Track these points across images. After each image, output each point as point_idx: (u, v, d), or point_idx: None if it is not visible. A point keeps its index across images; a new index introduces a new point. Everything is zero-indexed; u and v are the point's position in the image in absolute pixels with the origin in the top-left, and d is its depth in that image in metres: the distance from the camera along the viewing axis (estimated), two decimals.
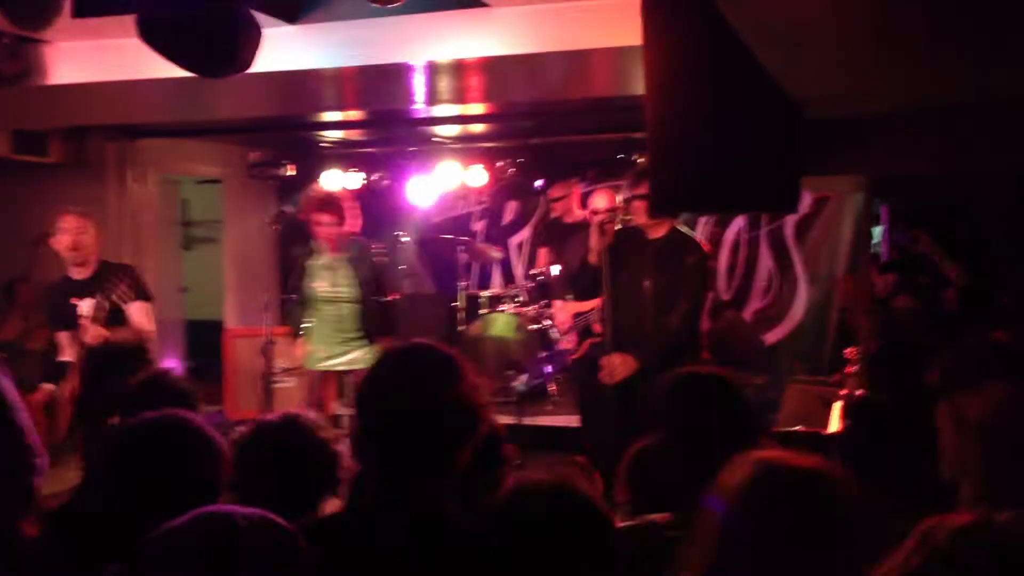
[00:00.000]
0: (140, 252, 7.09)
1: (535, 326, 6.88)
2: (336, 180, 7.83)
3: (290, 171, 7.62)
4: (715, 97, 2.58)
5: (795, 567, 1.35)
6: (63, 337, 4.66)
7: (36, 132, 6.49)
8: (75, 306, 4.57)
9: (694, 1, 2.41)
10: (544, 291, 6.86)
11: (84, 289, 4.62)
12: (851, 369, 3.99)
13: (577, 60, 4.20)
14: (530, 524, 1.60)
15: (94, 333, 4.45)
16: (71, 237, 4.67)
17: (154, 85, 4.34)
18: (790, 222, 7.43)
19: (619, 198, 5.25)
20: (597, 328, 5.38)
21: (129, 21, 2.68)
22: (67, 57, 4.25)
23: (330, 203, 5.42)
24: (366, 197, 7.88)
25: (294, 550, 1.48)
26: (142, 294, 4.68)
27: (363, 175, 7.84)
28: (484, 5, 3.75)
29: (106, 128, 6.76)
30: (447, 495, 1.75)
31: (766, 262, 7.56)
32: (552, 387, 6.87)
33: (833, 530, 1.37)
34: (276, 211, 7.24)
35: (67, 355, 4.63)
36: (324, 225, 5.32)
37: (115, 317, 4.53)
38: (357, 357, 5.38)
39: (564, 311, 5.99)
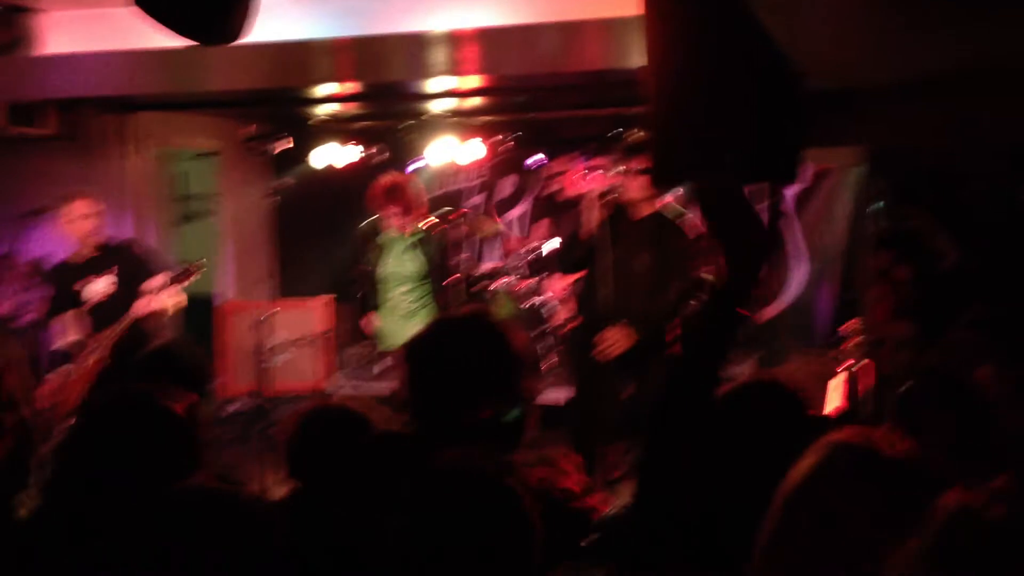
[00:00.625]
0: (138, 226, 7.06)
1: (535, 299, 6.87)
2: (332, 155, 7.80)
3: (286, 144, 7.57)
4: (716, 66, 2.55)
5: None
6: (68, 319, 4.69)
7: (30, 105, 6.43)
8: (78, 291, 4.65)
9: None
10: (541, 265, 6.85)
11: (88, 270, 4.69)
12: (849, 344, 3.99)
13: (574, 31, 4.17)
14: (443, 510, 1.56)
15: (164, 302, 4.52)
16: (92, 222, 4.71)
17: (149, 55, 4.31)
18: (790, 196, 7.41)
19: (609, 173, 5.25)
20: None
21: None
22: (60, 26, 4.21)
23: (395, 191, 5.49)
24: (363, 171, 7.89)
25: (269, 524, 1.48)
26: (149, 270, 4.71)
27: (360, 149, 7.80)
28: None
29: (101, 100, 6.71)
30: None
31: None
32: (554, 358, 6.87)
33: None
34: (273, 184, 7.21)
35: (72, 335, 4.67)
36: (392, 215, 5.46)
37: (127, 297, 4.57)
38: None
39: (561, 282, 5.99)
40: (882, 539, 1.22)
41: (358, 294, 5.84)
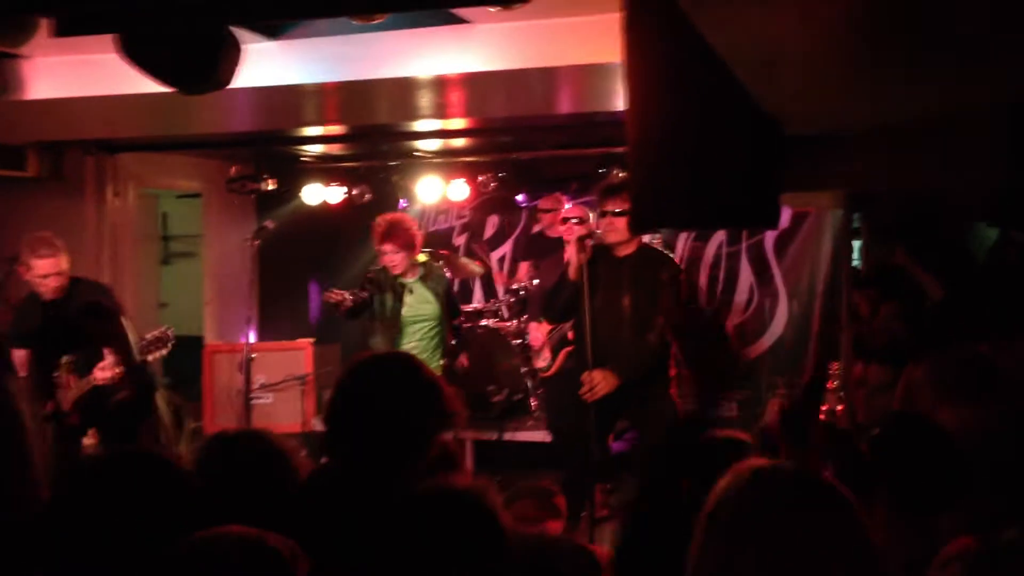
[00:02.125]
0: (118, 267, 7.04)
1: (516, 341, 6.87)
2: (317, 195, 7.82)
3: (270, 185, 7.59)
4: (695, 114, 2.59)
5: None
6: (19, 355, 4.60)
7: (14, 146, 6.44)
8: (43, 327, 4.57)
9: (674, 19, 2.42)
10: (524, 306, 6.86)
11: (58, 310, 4.61)
12: (832, 384, 4.01)
13: (558, 76, 4.23)
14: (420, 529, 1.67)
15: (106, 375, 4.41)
16: (54, 282, 4.60)
17: (133, 100, 4.33)
18: (770, 237, 7.47)
19: (589, 214, 5.28)
20: (572, 336, 5.39)
21: (108, 37, 2.67)
22: (45, 72, 4.23)
23: (393, 229, 5.48)
24: (347, 212, 7.92)
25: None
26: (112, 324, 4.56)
27: (344, 190, 7.82)
28: (465, 22, 3.77)
29: (85, 142, 6.72)
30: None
31: (746, 277, 7.59)
32: (534, 402, 6.86)
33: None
34: (256, 226, 7.21)
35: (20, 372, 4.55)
36: (388, 254, 5.45)
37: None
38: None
39: (539, 330, 5.99)
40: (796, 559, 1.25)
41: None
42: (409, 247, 5.51)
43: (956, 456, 1.95)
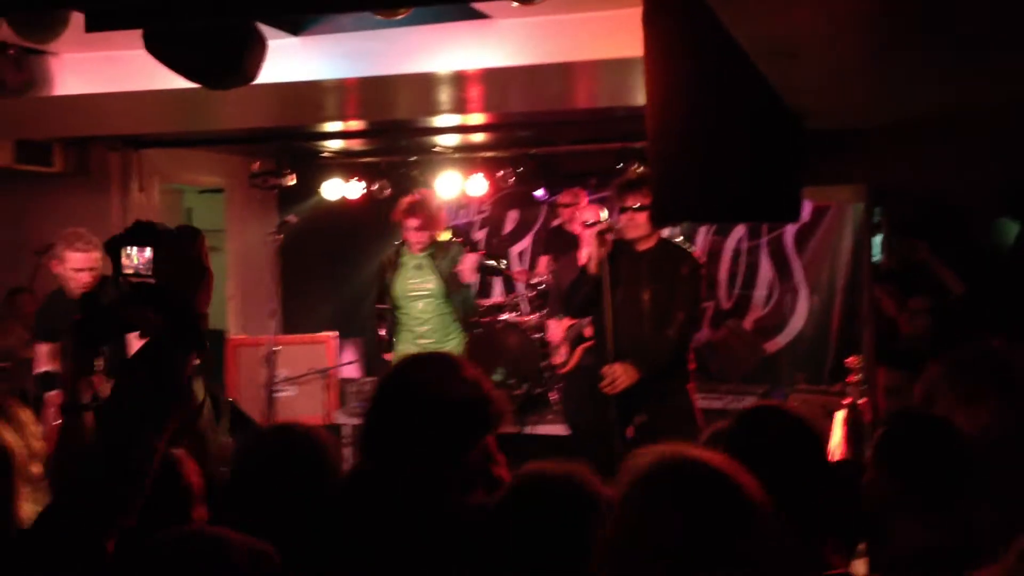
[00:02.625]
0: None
1: (535, 335, 6.90)
2: (337, 190, 7.87)
3: (292, 181, 7.65)
4: (716, 107, 2.60)
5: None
6: (44, 349, 4.69)
7: (40, 142, 6.52)
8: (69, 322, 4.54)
9: (694, 13, 2.43)
10: (544, 300, 6.87)
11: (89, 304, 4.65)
12: (853, 378, 4.00)
13: (576, 71, 4.24)
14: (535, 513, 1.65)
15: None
16: (89, 276, 4.59)
17: (158, 96, 4.37)
18: (790, 232, 7.46)
19: (604, 213, 5.29)
20: (588, 332, 5.39)
21: (135, 33, 2.71)
22: (72, 68, 4.28)
23: (416, 206, 5.58)
24: (367, 207, 7.97)
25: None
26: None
27: (363, 185, 7.87)
28: (486, 17, 3.78)
29: (109, 138, 6.80)
30: (449, 489, 1.79)
31: (766, 272, 7.58)
32: (553, 396, 6.88)
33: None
34: (279, 221, 7.27)
35: (44, 366, 4.66)
36: (410, 229, 5.52)
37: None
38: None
39: (558, 327, 6.00)
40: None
41: (379, 330, 5.85)
42: (433, 225, 5.58)
43: (959, 449, 1.96)
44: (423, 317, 5.58)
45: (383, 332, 5.84)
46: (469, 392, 1.95)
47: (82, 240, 4.70)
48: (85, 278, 4.65)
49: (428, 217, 5.57)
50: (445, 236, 5.77)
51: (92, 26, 2.24)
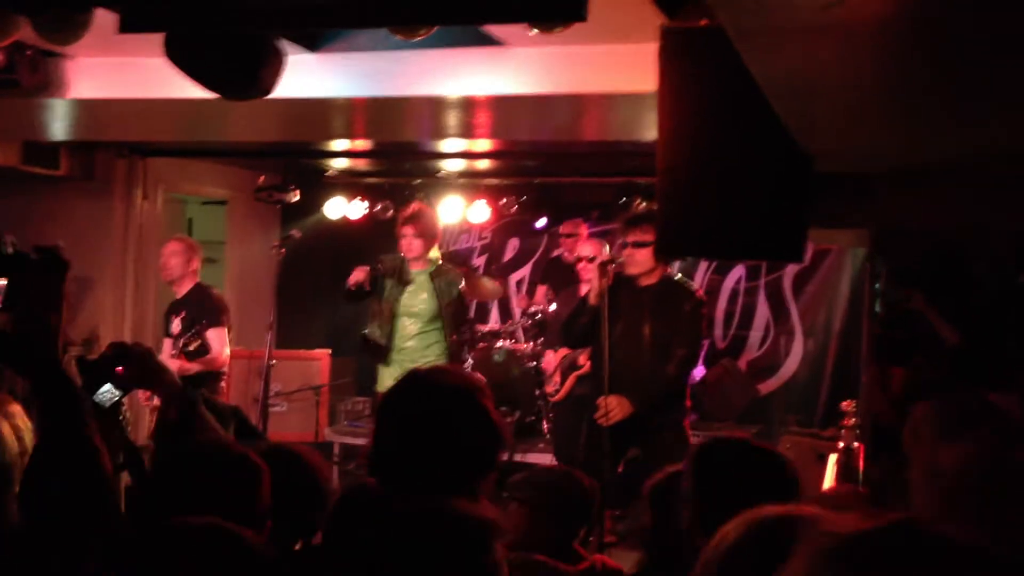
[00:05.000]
0: (143, 269, 7.11)
1: (530, 364, 6.89)
2: (340, 208, 7.89)
3: (295, 196, 7.67)
4: (727, 144, 2.62)
5: None
6: (165, 344, 5.59)
7: (47, 144, 6.53)
8: (171, 320, 5.55)
9: (711, 50, 2.46)
10: (541, 329, 6.88)
11: (178, 307, 5.57)
12: (848, 422, 4.00)
13: (588, 103, 4.27)
14: None
15: (175, 364, 5.18)
16: (169, 260, 5.55)
17: (170, 104, 4.40)
18: (788, 275, 7.49)
19: (605, 248, 5.31)
20: (583, 360, 5.38)
21: (151, 39, 2.73)
22: (86, 72, 4.30)
23: (415, 216, 5.61)
24: (368, 227, 7.98)
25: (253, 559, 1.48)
26: (217, 320, 5.48)
27: (366, 204, 7.89)
28: (500, 44, 3.82)
29: (116, 144, 6.82)
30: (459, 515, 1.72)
31: (763, 313, 7.60)
32: (545, 424, 6.87)
33: None
34: (280, 236, 7.28)
35: (162, 358, 5.25)
36: (407, 236, 5.53)
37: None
38: None
39: (555, 356, 6.00)
40: None
41: (367, 344, 5.71)
42: (429, 236, 5.57)
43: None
44: (408, 334, 5.53)
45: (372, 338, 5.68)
46: (488, 421, 1.87)
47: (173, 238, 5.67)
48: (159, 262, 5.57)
49: (426, 227, 5.58)
50: (435, 253, 5.74)
51: (125, 28, 2.26)
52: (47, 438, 1.68)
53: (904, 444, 2.47)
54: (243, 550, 1.46)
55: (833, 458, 4.03)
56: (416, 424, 1.84)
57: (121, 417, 2.12)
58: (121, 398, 2.07)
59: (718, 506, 1.60)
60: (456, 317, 5.70)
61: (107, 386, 2.03)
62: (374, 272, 5.54)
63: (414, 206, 5.76)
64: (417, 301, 5.55)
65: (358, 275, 5.49)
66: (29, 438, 2.22)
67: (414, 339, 5.53)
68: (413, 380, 1.97)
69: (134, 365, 2.11)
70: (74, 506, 1.63)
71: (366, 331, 5.63)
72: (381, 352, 5.55)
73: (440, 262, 5.71)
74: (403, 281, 5.55)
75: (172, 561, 1.43)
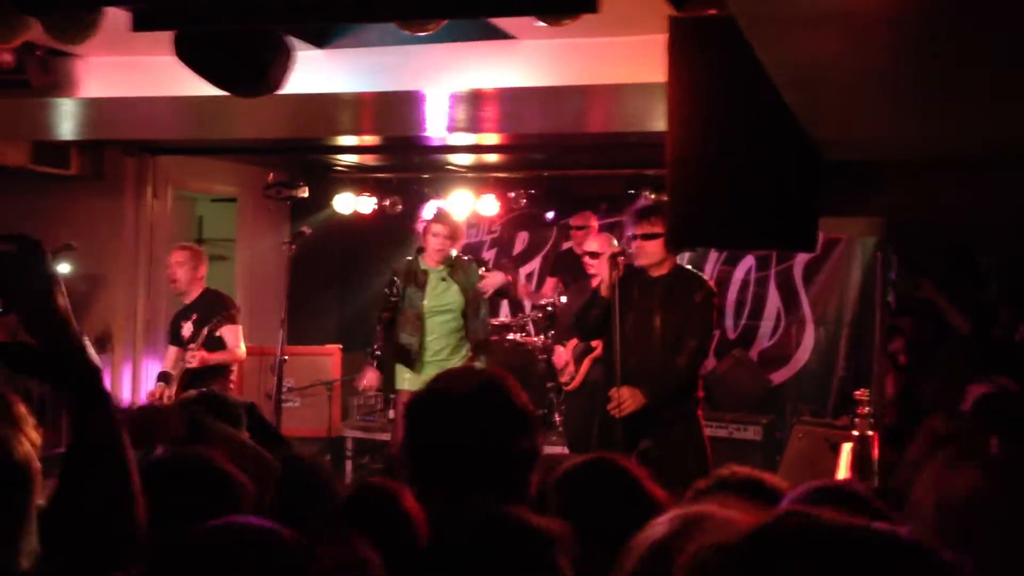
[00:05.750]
0: (154, 267, 7.13)
1: (541, 356, 6.90)
2: (349, 204, 7.90)
3: (304, 193, 7.69)
4: (737, 134, 2.62)
5: None
6: (171, 351, 5.69)
7: (56, 144, 6.56)
8: (181, 326, 5.61)
9: (721, 40, 2.46)
10: (551, 321, 6.88)
11: (188, 312, 5.61)
12: (862, 411, 4.00)
13: (597, 94, 4.26)
14: None
15: (198, 356, 5.35)
16: (168, 271, 5.65)
17: (179, 102, 4.41)
18: (799, 264, 7.47)
19: (613, 241, 5.31)
20: (595, 343, 5.38)
21: (160, 38, 2.73)
22: (96, 71, 4.31)
23: (444, 215, 5.70)
24: (377, 222, 8.00)
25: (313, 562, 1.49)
26: (231, 318, 5.58)
27: (375, 200, 7.90)
28: (510, 37, 3.81)
29: (126, 143, 6.84)
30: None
31: (774, 303, 7.58)
32: (557, 417, 6.88)
33: None
34: (292, 232, 7.30)
35: (166, 367, 5.65)
36: (437, 236, 5.52)
37: (213, 341, 5.48)
38: None
39: (565, 351, 5.99)
40: None
41: (375, 345, 5.75)
42: (455, 238, 5.59)
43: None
44: (441, 332, 5.58)
45: (377, 346, 5.75)
46: (526, 420, 1.86)
47: (177, 247, 5.72)
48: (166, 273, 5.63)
49: (456, 226, 5.61)
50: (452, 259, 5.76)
51: (138, 26, 2.26)
52: (81, 448, 1.58)
53: (913, 452, 2.45)
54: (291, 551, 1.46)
55: (847, 447, 4.03)
56: (452, 427, 1.82)
57: None
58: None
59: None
60: (479, 309, 5.72)
61: None
62: (392, 289, 5.59)
63: (438, 206, 5.88)
64: (442, 299, 5.58)
65: (370, 380, 5.66)
66: (36, 438, 2.22)
67: (443, 337, 5.57)
68: (444, 384, 1.94)
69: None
70: (107, 525, 1.55)
71: (401, 340, 5.60)
72: (412, 358, 5.57)
73: (455, 256, 5.71)
74: (419, 283, 5.56)
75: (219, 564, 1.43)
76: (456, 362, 5.54)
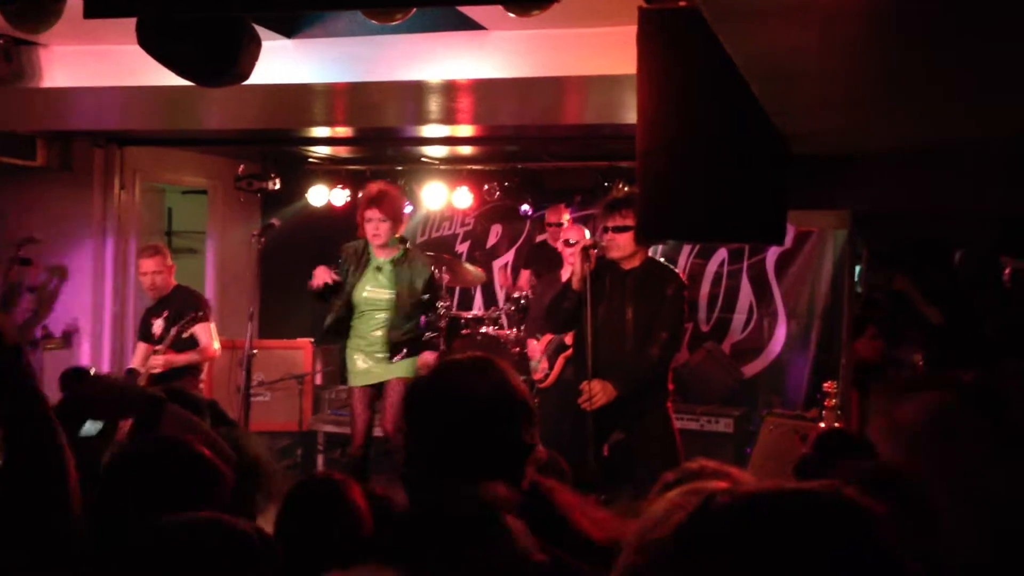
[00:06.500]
0: (122, 260, 7.05)
1: (515, 349, 6.89)
2: (322, 196, 7.85)
3: (276, 185, 7.63)
4: (706, 127, 2.62)
5: None
6: (140, 347, 5.73)
7: (23, 135, 6.47)
8: (151, 323, 5.63)
9: (689, 32, 2.45)
10: (525, 314, 6.87)
11: (159, 309, 5.65)
12: (829, 403, 4.02)
13: (569, 85, 4.25)
14: None
15: (162, 359, 5.41)
16: (149, 279, 5.66)
17: (146, 92, 4.35)
18: (771, 257, 7.51)
19: (586, 233, 5.30)
20: (569, 340, 5.37)
21: (126, 26, 2.69)
22: (61, 61, 4.25)
23: (382, 196, 5.16)
24: (351, 214, 7.94)
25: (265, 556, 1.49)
26: (205, 316, 5.61)
27: (348, 192, 7.85)
28: (481, 28, 3.79)
29: (94, 133, 6.75)
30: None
31: (746, 296, 7.62)
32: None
33: None
34: (262, 224, 7.24)
35: (135, 363, 5.67)
36: (373, 221, 5.10)
37: (182, 342, 5.51)
38: (396, 369, 5.16)
39: (539, 344, 5.99)
40: None
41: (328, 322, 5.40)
42: (396, 218, 5.16)
43: None
44: (374, 325, 5.20)
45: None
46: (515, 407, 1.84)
47: (147, 255, 5.72)
48: (146, 282, 5.70)
49: (393, 209, 5.15)
50: (395, 241, 5.27)
51: (90, 12, 2.22)
52: (16, 453, 1.58)
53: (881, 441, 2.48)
54: (246, 541, 1.47)
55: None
56: (456, 417, 1.80)
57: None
58: (106, 426, 2.05)
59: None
60: (423, 304, 5.30)
61: (87, 424, 2.02)
62: (337, 265, 5.26)
63: (377, 186, 5.32)
64: (378, 291, 5.20)
65: (321, 277, 5.16)
66: None
67: (380, 330, 5.19)
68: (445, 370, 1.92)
69: (96, 389, 2.10)
70: (43, 525, 1.56)
71: (326, 322, 5.33)
72: (340, 333, 5.26)
73: (408, 249, 5.35)
74: (360, 267, 5.20)
75: (174, 558, 1.42)
76: (399, 370, 5.16)
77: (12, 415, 1.56)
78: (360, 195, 6.93)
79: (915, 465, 1.71)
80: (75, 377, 2.15)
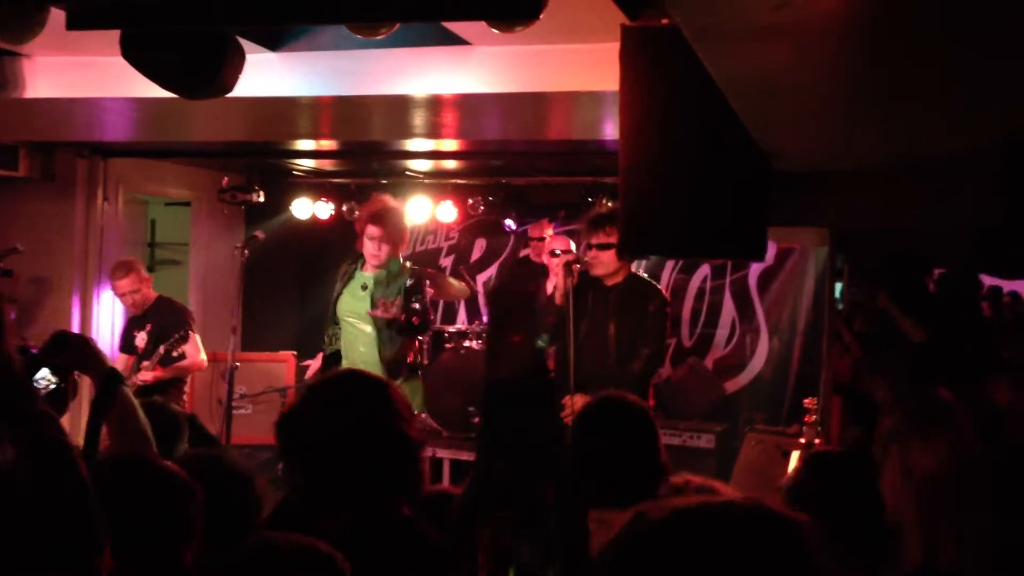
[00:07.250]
0: (105, 271, 7.01)
1: None
2: (306, 209, 7.84)
3: (261, 197, 7.61)
4: (688, 143, 2.64)
5: None
6: (120, 359, 5.72)
7: (6, 145, 6.44)
8: (134, 335, 5.64)
9: (670, 50, 2.47)
10: None
11: (141, 322, 5.66)
12: (810, 419, 4.04)
13: (553, 101, 4.28)
14: None
15: (152, 374, 5.41)
16: (129, 299, 5.68)
17: (131, 104, 4.35)
18: (754, 273, 7.54)
19: (571, 245, 5.31)
20: (551, 365, 5.37)
21: (110, 37, 2.69)
22: (45, 71, 4.24)
23: (383, 214, 4.91)
24: (335, 227, 7.93)
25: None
26: (189, 337, 5.58)
27: (332, 205, 7.85)
28: (465, 43, 3.81)
29: (77, 144, 6.73)
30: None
31: (729, 311, 7.64)
32: None
33: None
34: (246, 236, 7.22)
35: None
36: (374, 239, 4.87)
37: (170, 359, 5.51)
38: None
39: None
40: None
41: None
42: (396, 241, 4.94)
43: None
44: (360, 340, 5.01)
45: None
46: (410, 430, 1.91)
47: (119, 276, 5.69)
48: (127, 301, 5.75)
49: (396, 229, 4.93)
50: (395, 266, 5.05)
51: (73, 24, 2.22)
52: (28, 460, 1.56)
53: (874, 452, 2.50)
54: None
55: (796, 455, 4.07)
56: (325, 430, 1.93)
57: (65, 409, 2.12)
58: (59, 384, 2.09)
59: None
60: (403, 328, 4.94)
61: (43, 371, 2.06)
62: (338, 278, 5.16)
63: (381, 201, 5.09)
64: (355, 307, 4.98)
65: (313, 368, 5.32)
66: None
67: (364, 346, 4.98)
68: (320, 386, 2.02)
69: (73, 351, 2.14)
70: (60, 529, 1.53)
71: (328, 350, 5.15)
72: (335, 360, 5.08)
73: (402, 263, 5.09)
74: (345, 280, 5.03)
75: None
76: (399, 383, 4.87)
77: (13, 414, 1.56)
78: (359, 208, 6.86)
79: (930, 519, 1.74)
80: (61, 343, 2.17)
